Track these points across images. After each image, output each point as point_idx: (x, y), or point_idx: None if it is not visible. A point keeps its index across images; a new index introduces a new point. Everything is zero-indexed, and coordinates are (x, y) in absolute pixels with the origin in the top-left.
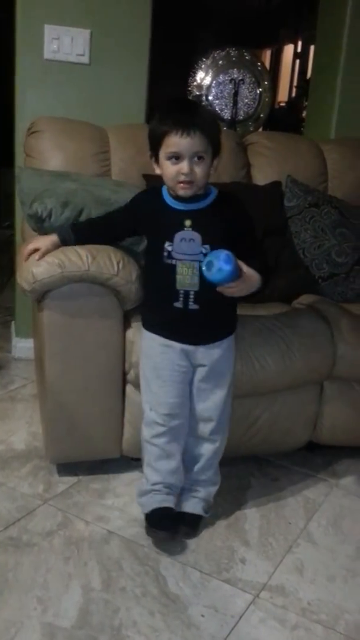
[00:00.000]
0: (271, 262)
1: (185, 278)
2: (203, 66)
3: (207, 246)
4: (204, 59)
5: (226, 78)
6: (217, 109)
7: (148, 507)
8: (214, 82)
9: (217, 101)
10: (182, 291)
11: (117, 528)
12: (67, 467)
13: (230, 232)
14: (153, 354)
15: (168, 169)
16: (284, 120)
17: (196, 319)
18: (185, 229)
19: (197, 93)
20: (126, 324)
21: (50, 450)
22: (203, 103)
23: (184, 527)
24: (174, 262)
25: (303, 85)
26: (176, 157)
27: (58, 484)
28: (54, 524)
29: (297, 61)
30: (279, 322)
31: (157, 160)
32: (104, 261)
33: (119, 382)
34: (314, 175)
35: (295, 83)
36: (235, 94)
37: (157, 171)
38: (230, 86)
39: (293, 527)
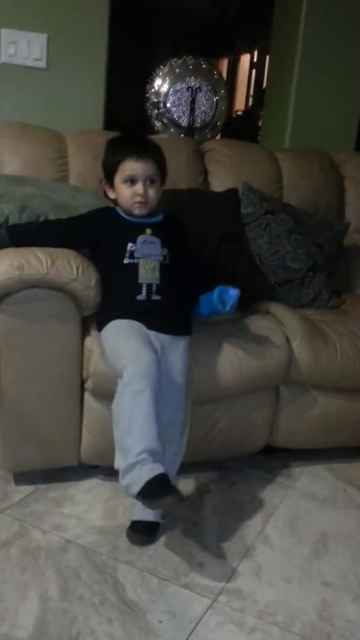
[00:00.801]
0: (230, 268)
1: (148, 272)
2: (160, 73)
3: (165, 249)
4: (162, 67)
5: (183, 86)
6: (174, 116)
7: (139, 482)
8: (172, 89)
9: (174, 108)
10: (144, 284)
11: (75, 536)
12: (24, 476)
13: (180, 242)
14: (120, 327)
15: (124, 192)
16: (240, 128)
17: (159, 308)
18: (146, 235)
19: (155, 100)
20: (84, 332)
21: (6, 458)
22: (161, 110)
23: (139, 536)
24: (135, 260)
25: (259, 94)
26: (132, 181)
27: (15, 492)
28: (10, 533)
29: (254, 71)
30: (235, 328)
31: (111, 186)
32: (63, 265)
33: (76, 389)
34: (270, 182)
35: (251, 92)
36: (193, 102)
37: (112, 196)
38: (188, 94)
39: (250, 530)
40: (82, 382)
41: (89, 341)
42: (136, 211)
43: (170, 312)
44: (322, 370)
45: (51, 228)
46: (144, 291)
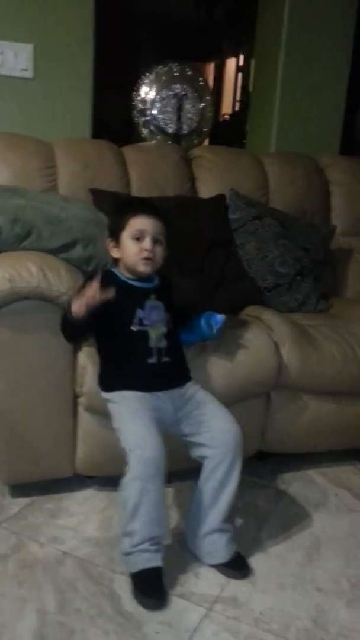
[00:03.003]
0: (218, 274)
1: (157, 338)
2: (147, 81)
3: (168, 314)
4: (147, 74)
5: (169, 93)
6: (161, 124)
7: (134, 566)
8: (158, 96)
9: (161, 115)
10: (155, 348)
11: (71, 548)
12: (20, 488)
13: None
14: (126, 401)
15: (131, 248)
16: (228, 133)
17: (168, 369)
18: (152, 300)
19: (142, 107)
20: (77, 346)
21: (1, 471)
22: (147, 117)
23: (237, 572)
24: (145, 328)
25: (245, 98)
26: (139, 237)
27: (10, 505)
28: (7, 547)
29: (240, 74)
30: (224, 337)
31: (116, 245)
32: (54, 278)
33: (69, 400)
34: (256, 188)
35: (238, 96)
36: (179, 109)
37: (115, 255)
38: (174, 101)
39: (245, 536)
40: (75, 395)
41: (81, 357)
42: (141, 268)
43: (177, 368)
44: (312, 374)
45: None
46: (154, 354)
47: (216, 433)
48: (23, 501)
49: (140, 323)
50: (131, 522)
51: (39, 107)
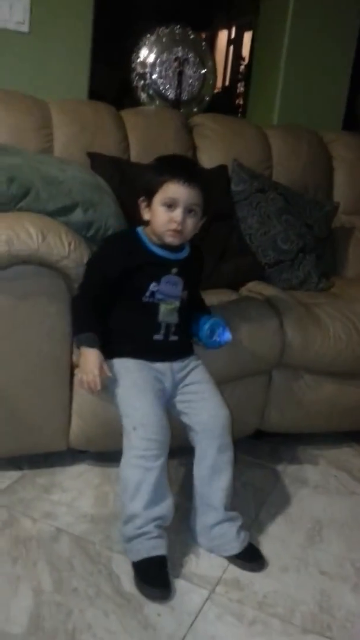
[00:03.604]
0: (219, 247)
1: (168, 313)
2: (147, 43)
3: (186, 292)
4: (148, 35)
5: (170, 56)
6: (160, 88)
7: (137, 554)
8: (158, 60)
9: (160, 80)
10: (164, 323)
11: (66, 525)
12: (10, 461)
13: (197, 279)
14: (129, 372)
15: (161, 216)
16: (219, 106)
17: (174, 347)
18: (171, 275)
19: (141, 71)
20: None
21: None
22: (147, 81)
23: (252, 564)
24: (156, 301)
25: (239, 71)
26: (171, 205)
27: (1, 479)
28: None
29: (231, 47)
30: (227, 312)
31: (148, 206)
32: (55, 241)
33: (66, 370)
34: (259, 160)
35: (229, 69)
36: (180, 74)
37: (146, 216)
38: (175, 64)
39: (244, 517)
40: (72, 365)
41: None
42: (168, 239)
43: (183, 347)
44: (316, 353)
45: (102, 292)
46: (162, 331)
47: (202, 417)
48: (14, 475)
49: (152, 296)
50: (132, 502)
51: (34, 63)
